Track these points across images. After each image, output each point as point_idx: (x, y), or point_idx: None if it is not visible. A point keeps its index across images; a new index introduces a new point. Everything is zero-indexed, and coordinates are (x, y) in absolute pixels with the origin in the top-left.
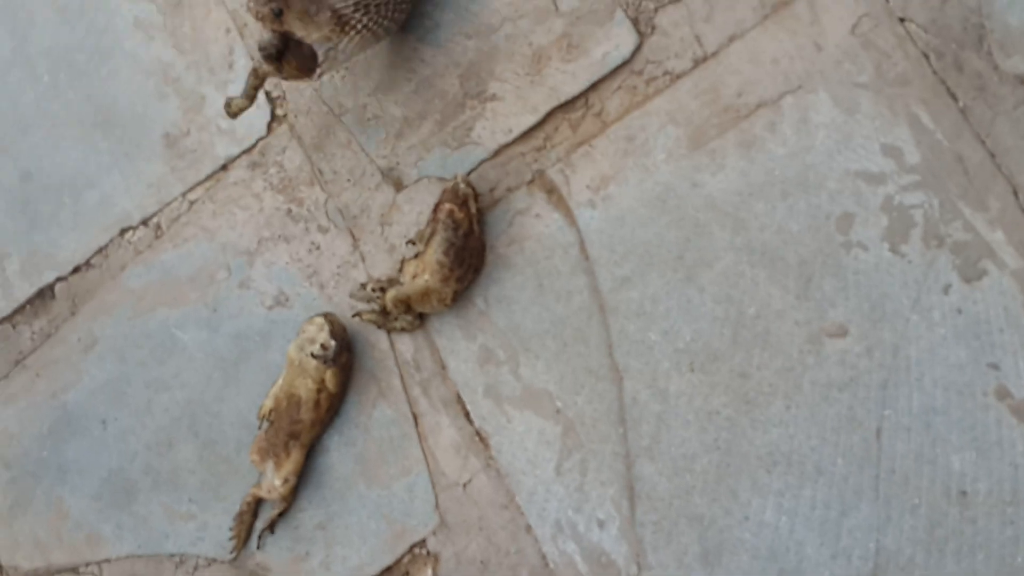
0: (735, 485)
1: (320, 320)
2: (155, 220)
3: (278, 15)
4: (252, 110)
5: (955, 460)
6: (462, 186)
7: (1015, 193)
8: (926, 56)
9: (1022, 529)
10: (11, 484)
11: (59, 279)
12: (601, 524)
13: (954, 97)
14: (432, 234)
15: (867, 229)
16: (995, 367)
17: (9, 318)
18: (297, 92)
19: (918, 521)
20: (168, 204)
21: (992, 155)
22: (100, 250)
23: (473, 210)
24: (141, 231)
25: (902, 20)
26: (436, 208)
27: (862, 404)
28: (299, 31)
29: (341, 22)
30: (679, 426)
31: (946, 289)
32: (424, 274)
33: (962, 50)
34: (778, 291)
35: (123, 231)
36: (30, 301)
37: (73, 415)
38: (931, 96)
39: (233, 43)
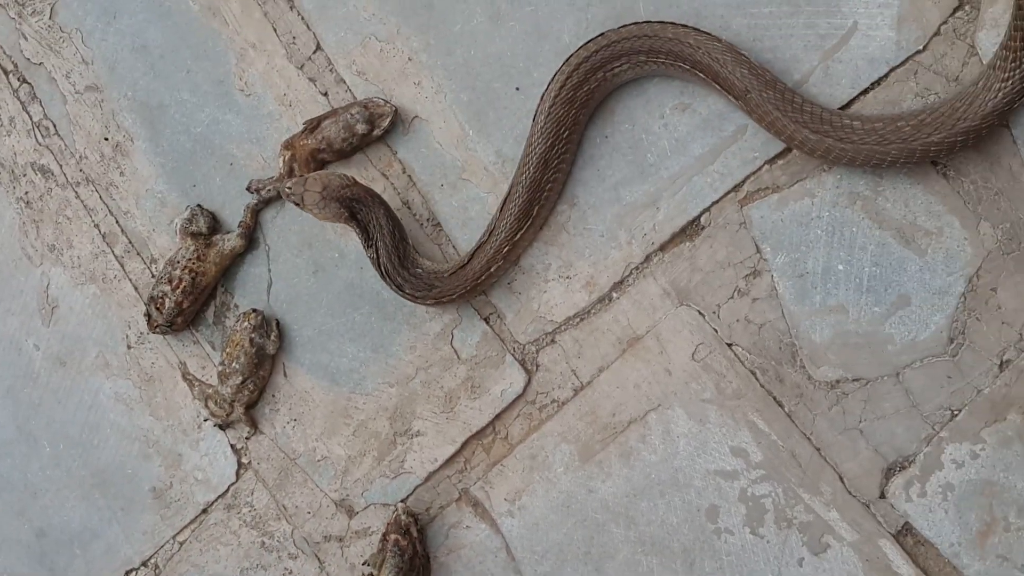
0: None
1: None
2: (153, 561)
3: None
4: (221, 461)
5: None
6: (403, 517)
7: (841, 479)
8: (753, 373)
9: None
10: None
11: None
12: None
13: (780, 404)
14: (383, 561)
15: (731, 517)
16: None
17: None
18: (256, 442)
19: None
20: (162, 547)
21: (818, 449)
22: None
23: (415, 533)
24: (143, 571)
25: (730, 345)
26: (384, 536)
27: None
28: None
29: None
30: None
31: (800, 562)
32: None
33: (780, 365)
34: (670, 574)
35: (127, 573)
36: None
37: None
38: (762, 405)
39: (198, 407)
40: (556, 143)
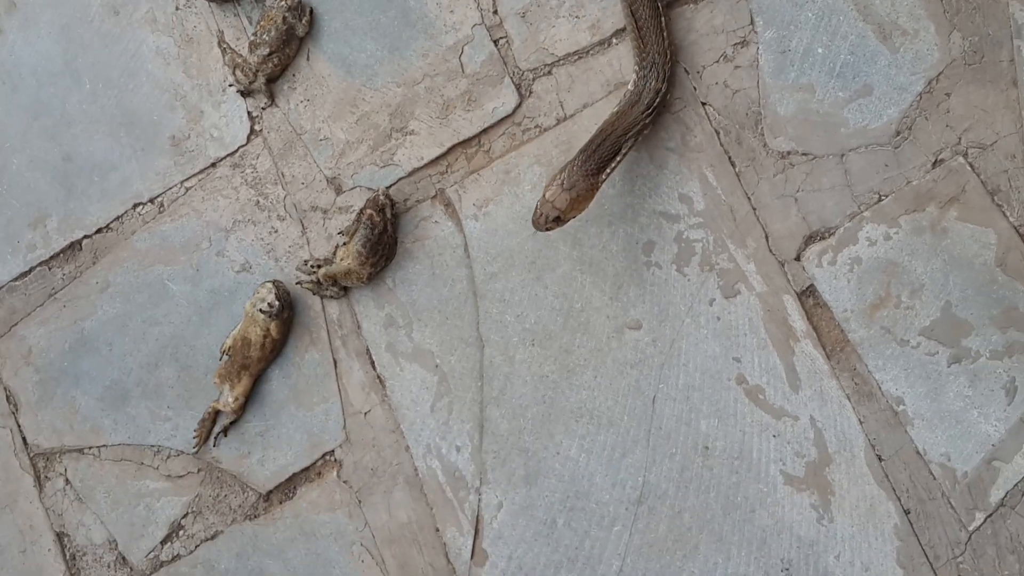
0: (553, 429)
1: (269, 285)
2: (159, 199)
3: (557, 220)
4: (236, 123)
5: (703, 424)
6: (381, 197)
7: (767, 237)
8: (717, 132)
9: (743, 477)
10: (39, 384)
11: (86, 236)
12: (458, 449)
13: (733, 164)
14: (355, 230)
15: (663, 254)
16: (738, 360)
17: (47, 262)
18: (270, 113)
19: (674, 465)
20: (170, 188)
21: (754, 209)
22: (117, 218)
23: (388, 215)
24: (149, 207)
25: (704, 104)
26: (361, 211)
27: (645, 379)
28: (575, 212)
29: (596, 183)
30: (519, 384)
31: (711, 302)
32: (348, 258)
33: (743, 130)
34: (598, 293)
35: (135, 205)
36: (63, 251)
37: (88, 338)
38: (717, 162)
39: (226, 73)
40: None
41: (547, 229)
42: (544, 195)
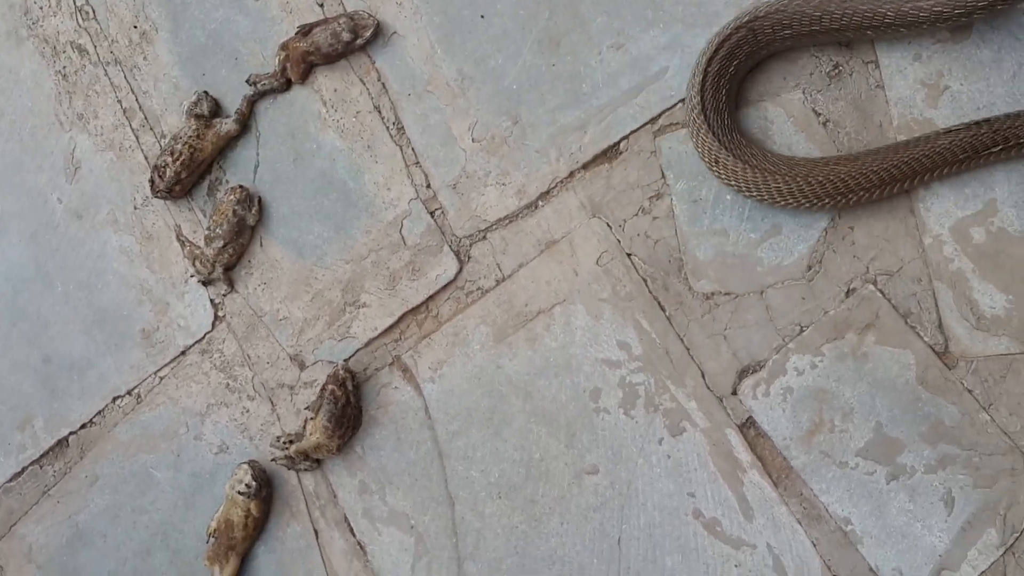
0: None
1: (245, 466)
2: (136, 391)
3: None
4: (200, 312)
5: (668, 560)
6: (341, 372)
7: (703, 375)
8: (644, 280)
9: None
10: None
11: (71, 433)
12: None
13: (663, 308)
14: (320, 406)
15: (610, 399)
16: (692, 495)
17: (37, 461)
18: (231, 299)
19: None
20: (144, 380)
21: (687, 349)
22: (99, 412)
23: (350, 387)
24: (127, 399)
25: (629, 255)
26: (323, 387)
27: (608, 521)
28: None
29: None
30: (492, 537)
31: (660, 441)
32: (316, 433)
33: (668, 276)
34: (554, 442)
35: (115, 399)
36: (51, 449)
37: (83, 531)
38: (648, 308)
39: (187, 265)
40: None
41: None
42: None
